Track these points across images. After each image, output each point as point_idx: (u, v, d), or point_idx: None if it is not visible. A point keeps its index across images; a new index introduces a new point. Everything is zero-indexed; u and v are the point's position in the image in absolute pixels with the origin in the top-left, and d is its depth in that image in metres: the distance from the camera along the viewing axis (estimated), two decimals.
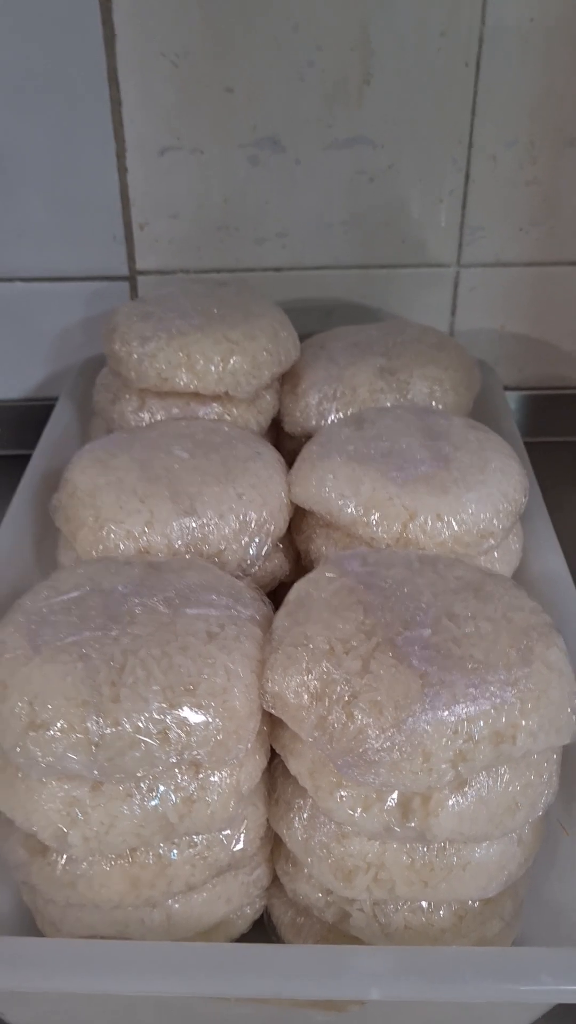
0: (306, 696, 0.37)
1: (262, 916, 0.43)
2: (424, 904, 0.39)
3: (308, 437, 0.57)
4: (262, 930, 0.43)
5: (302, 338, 0.61)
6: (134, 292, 0.72)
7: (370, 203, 0.69)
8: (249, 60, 0.64)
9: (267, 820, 0.41)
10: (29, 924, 0.42)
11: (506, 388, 0.76)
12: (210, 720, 0.37)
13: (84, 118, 0.66)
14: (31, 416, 0.75)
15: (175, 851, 0.38)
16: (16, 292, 0.72)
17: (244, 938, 0.42)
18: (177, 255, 0.71)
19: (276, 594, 0.51)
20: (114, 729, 0.36)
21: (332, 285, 0.73)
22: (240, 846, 0.40)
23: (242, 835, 0.40)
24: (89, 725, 0.36)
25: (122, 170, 0.68)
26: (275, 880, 0.43)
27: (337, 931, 0.41)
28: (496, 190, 0.69)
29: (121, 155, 0.67)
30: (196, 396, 0.55)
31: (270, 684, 0.38)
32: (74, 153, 0.67)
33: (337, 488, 0.47)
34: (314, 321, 0.73)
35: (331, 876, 0.39)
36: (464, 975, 0.32)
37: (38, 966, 0.34)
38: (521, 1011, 0.38)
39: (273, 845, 0.42)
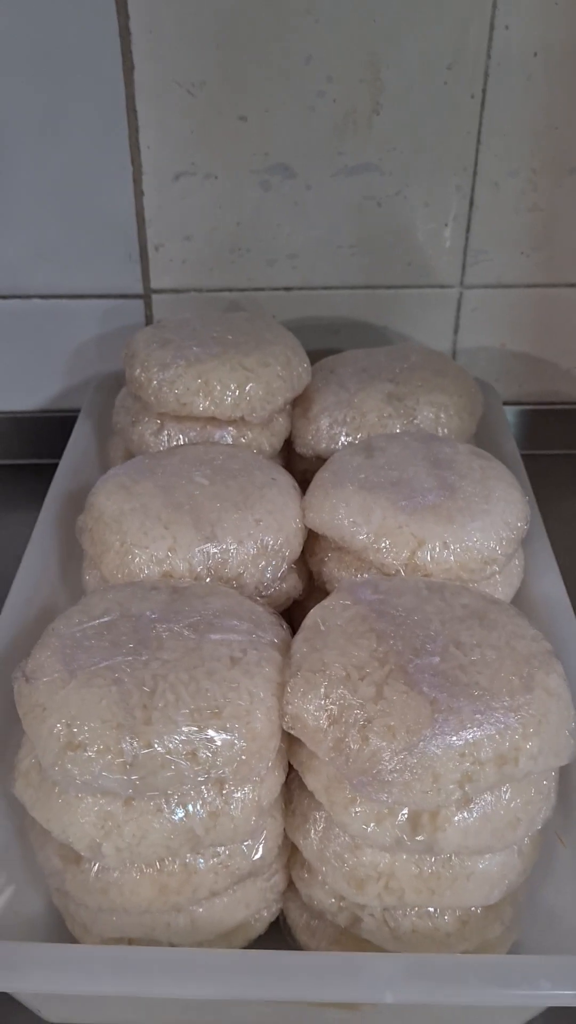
0: (324, 719, 0.40)
1: (278, 918, 0.46)
2: (431, 910, 0.42)
3: (319, 458, 0.60)
4: (278, 932, 0.46)
5: (311, 355, 0.64)
6: (148, 310, 0.75)
7: (377, 227, 0.72)
8: (262, 90, 0.67)
9: (284, 830, 0.44)
10: (60, 926, 0.45)
11: (506, 403, 0.79)
12: (235, 741, 0.40)
13: (103, 144, 0.68)
14: (48, 427, 0.78)
15: (200, 860, 0.41)
16: (35, 308, 0.74)
17: (261, 939, 0.45)
18: (191, 275, 0.73)
19: (290, 612, 0.54)
20: (147, 750, 0.39)
21: (340, 304, 0.75)
22: (260, 855, 0.43)
23: (261, 845, 0.43)
24: (123, 746, 0.39)
25: (138, 194, 0.70)
26: (291, 885, 0.45)
27: (349, 934, 0.44)
28: (499, 216, 0.72)
29: (138, 179, 0.69)
30: (213, 420, 0.58)
31: (290, 707, 0.41)
32: (93, 177, 0.69)
33: (350, 516, 0.50)
34: (322, 338, 0.76)
35: (344, 884, 0.41)
36: (470, 980, 0.35)
37: (75, 971, 0.37)
38: (519, 1012, 0.41)
39: (290, 853, 0.45)
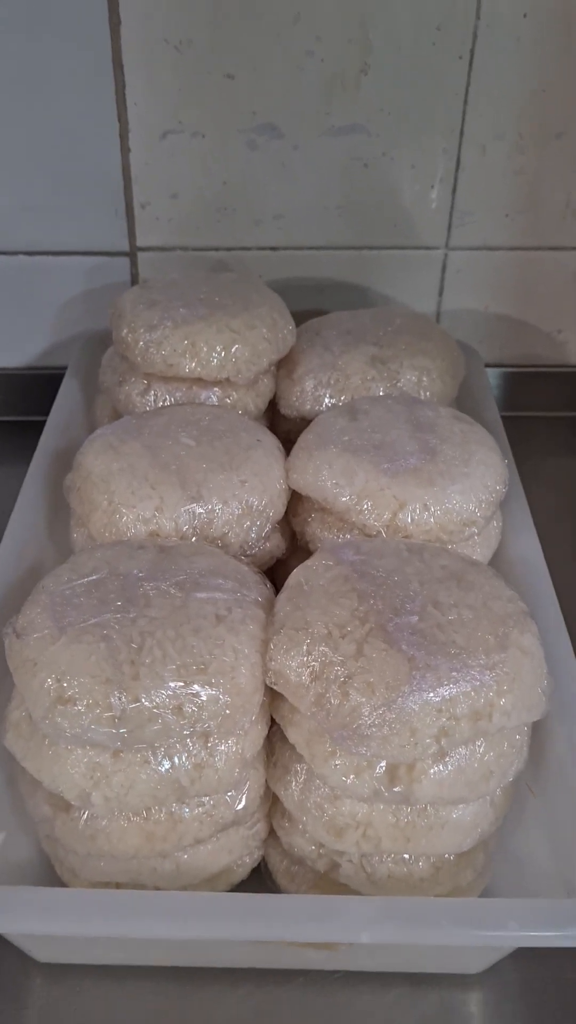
0: (306, 676, 0.42)
1: (260, 864, 0.48)
2: (406, 856, 0.44)
3: (303, 419, 0.61)
4: (259, 877, 0.48)
5: (296, 316, 0.64)
6: (134, 268, 0.75)
7: (364, 188, 0.72)
8: (250, 48, 0.66)
9: (266, 781, 0.46)
10: (49, 871, 0.47)
11: (488, 365, 0.79)
12: (220, 696, 0.41)
13: (90, 100, 0.67)
14: (34, 384, 0.78)
15: (186, 810, 0.43)
16: (20, 265, 0.74)
17: (243, 884, 0.47)
18: (176, 233, 0.73)
19: (274, 571, 0.55)
20: (135, 704, 0.40)
21: (325, 265, 0.75)
22: (243, 805, 0.44)
23: (244, 795, 0.44)
24: (112, 701, 0.40)
25: (125, 151, 0.70)
26: (272, 833, 0.47)
27: (327, 879, 0.45)
28: (485, 179, 0.72)
29: (124, 137, 0.69)
30: (199, 381, 0.59)
31: (273, 663, 0.43)
32: (79, 133, 0.69)
33: (333, 477, 0.51)
34: (307, 299, 0.76)
35: (324, 832, 0.43)
36: (441, 922, 0.37)
37: (68, 914, 0.38)
38: (489, 952, 0.44)
39: (271, 803, 0.47)
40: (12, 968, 0.45)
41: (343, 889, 0.45)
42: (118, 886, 0.45)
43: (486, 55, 0.67)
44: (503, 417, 0.75)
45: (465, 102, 0.69)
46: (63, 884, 0.46)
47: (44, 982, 0.45)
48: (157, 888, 0.45)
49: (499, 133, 0.70)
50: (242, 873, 0.47)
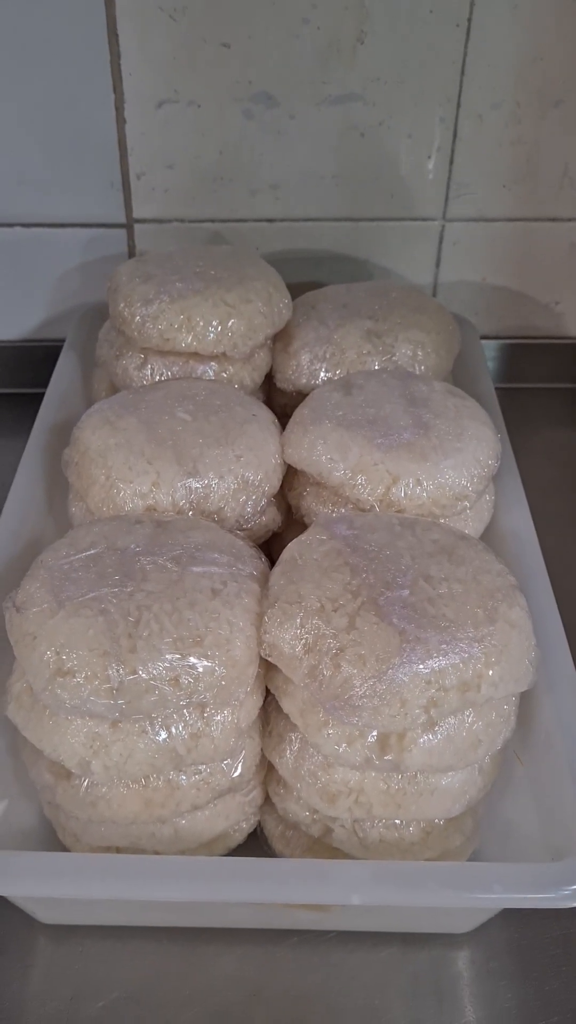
0: (299, 648, 0.43)
1: (256, 829, 0.49)
2: (397, 822, 0.45)
3: (299, 393, 0.62)
4: (256, 841, 0.49)
5: (291, 287, 0.65)
6: (131, 240, 0.75)
7: (360, 158, 0.72)
8: (246, 16, 0.66)
9: (262, 750, 0.47)
10: (52, 836, 0.48)
11: (485, 337, 0.80)
12: (215, 668, 0.42)
13: (84, 70, 0.67)
14: (31, 357, 0.79)
15: (183, 777, 0.44)
16: (16, 237, 0.74)
17: (240, 848, 0.49)
18: (173, 204, 0.73)
19: (269, 544, 0.56)
20: (132, 676, 0.41)
21: (322, 237, 0.75)
22: (239, 772, 0.46)
23: (240, 763, 0.46)
24: (110, 673, 0.41)
25: (120, 121, 0.70)
26: (268, 799, 0.49)
27: (321, 843, 0.47)
28: (482, 148, 0.72)
29: (120, 107, 0.69)
30: (195, 355, 0.59)
31: (268, 636, 0.44)
32: (74, 104, 0.69)
33: (327, 452, 0.52)
34: (304, 271, 0.76)
35: (317, 799, 0.45)
36: (428, 884, 0.39)
37: (70, 877, 0.40)
38: (476, 913, 0.45)
39: (267, 770, 0.48)
40: (17, 929, 0.47)
41: (336, 853, 0.46)
42: (118, 850, 0.46)
43: (484, 23, 0.67)
44: (500, 389, 0.76)
45: (462, 71, 0.69)
46: (65, 849, 0.47)
47: (48, 942, 0.47)
48: (156, 852, 0.46)
49: (496, 102, 0.70)
50: (239, 838, 0.49)
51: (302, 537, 0.48)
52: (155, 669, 0.41)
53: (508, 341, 0.81)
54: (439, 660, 0.41)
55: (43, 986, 0.46)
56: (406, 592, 0.43)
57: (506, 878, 0.39)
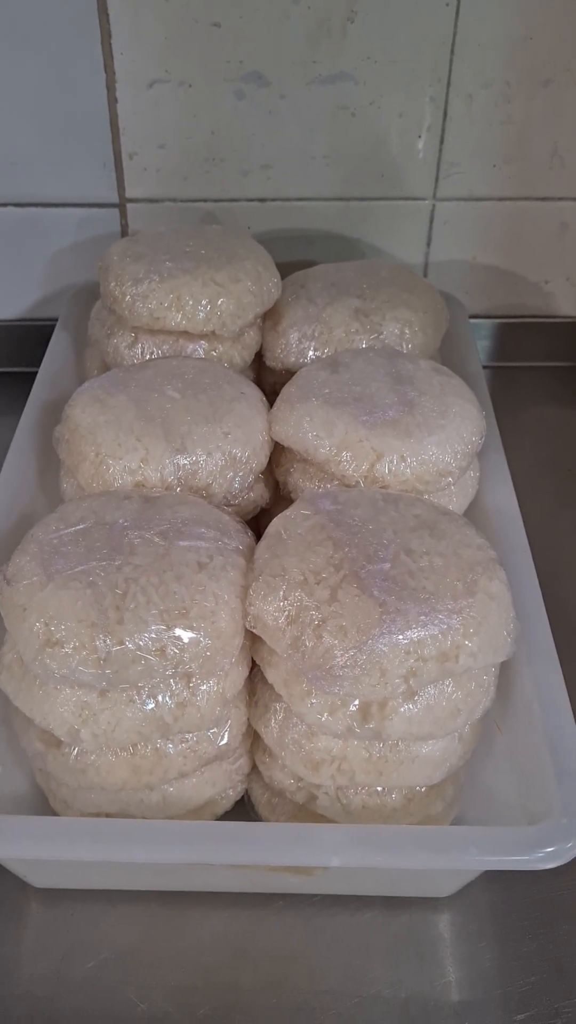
0: (282, 619, 0.44)
1: (243, 797, 0.51)
2: (379, 788, 0.46)
3: (288, 371, 0.62)
4: (243, 808, 0.50)
5: (283, 266, 0.65)
6: (124, 219, 0.75)
7: (351, 138, 0.72)
8: None
9: (248, 719, 0.48)
10: (43, 803, 0.49)
11: (475, 316, 0.81)
12: (201, 639, 0.43)
13: (76, 49, 0.68)
14: (24, 336, 0.79)
15: (170, 745, 0.45)
16: (9, 217, 0.75)
17: (227, 815, 0.50)
18: (165, 184, 0.74)
19: (258, 519, 0.57)
20: (119, 647, 0.42)
21: (313, 216, 0.76)
22: (225, 741, 0.47)
23: (227, 732, 0.47)
24: (97, 644, 0.42)
25: (112, 101, 0.70)
26: (254, 767, 0.50)
27: (306, 810, 0.48)
28: (472, 128, 0.72)
29: (111, 86, 0.69)
30: (185, 334, 0.60)
31: (252, 608, 0.45)
32: (66, 83, 0.69)
33: (313, 429, 0.53)
34: (296, 250, 0.77)
35: (301, 766, 0.46)
36: (407, 847, 0.40)
37: (60, 840, 0.41)
38: (456, 875, 0.46)
39: (253, 739, 0.49)
40: (10, 893, 0.48)
41: (321, 819, 0.47)
42: (108, 816, 0.47)
43: (473, 2, 0.67)
44: (490, 367, 0.77)
45: (452, 50, 0.69)
46: (56, 815, 0.49)
47: (39, 906, 0.48)
48: (144, 818, 0.47)
49: (486, 81, 0.70)
50: (226, 805, 0.50)
51: (287, 512, 0.49)
52: (141, 640, 0.42)
53: (498, 320, 0.82)
54: (418, 631, 0.42)
55: (35, 947, 0.47)
56: (387, 565, 0.44)
57: (482, 841, 0.40)
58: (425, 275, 0.79)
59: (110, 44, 0.68)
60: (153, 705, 0.44)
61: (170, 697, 0.44)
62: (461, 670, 0.43)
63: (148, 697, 0.44)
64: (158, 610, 0.43)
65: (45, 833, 0.42)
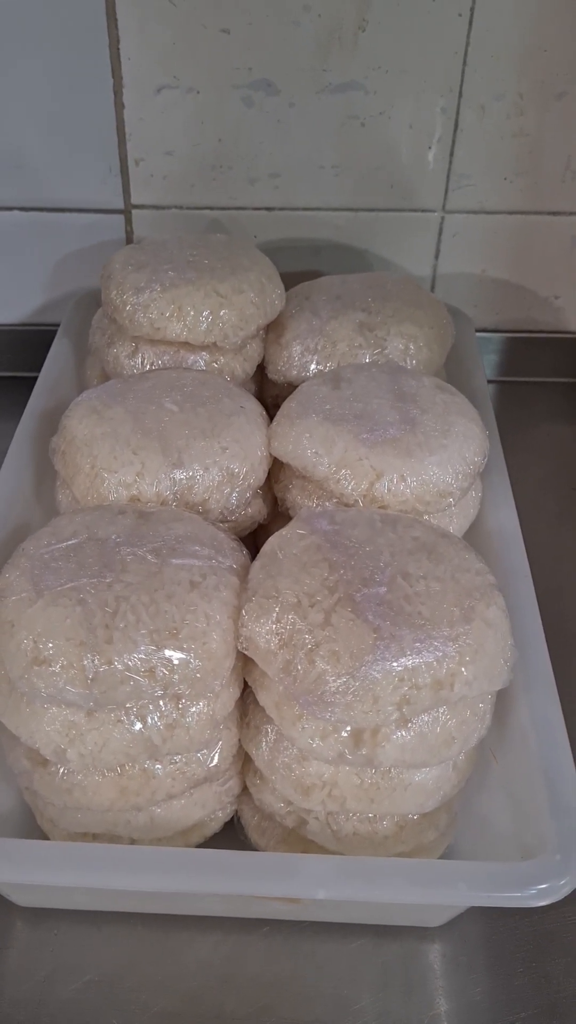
0: (275, 642, 0.43)
1: (232, 819, 0.50)
2: (370, 815, 0.46)
3: (290, 385, 0.62)
4: (232, 831, 0.50)
5: (289, 276, 0.64)
6: (129, 226, 0.75)
7: (361, 148, 0.72)
8: (246, 2, 0.66)
9: (239, 740, 0.47)
10: (30, 821, 0.49)
11: (483, 330, 0.80)
12: (191, 660, 0.42)
13: (83, 54, 0.67)
14: (26, 341, 0.79)
15: (159, 766, 0.45)
16: (14, 221, 0.74)
17: (216, 837, 0.49)
18: (171, 191, 0.73)
19: (255, 535, 0.57)
20: (107, 667, 0.41)
21: (321, 226, 0.75)
22: (215, 762, 0.46)
23: (217, 753, 0.46)
24: (86, 663, 0.41)
25: (119, 106, 0.69)
26: (244, 789, 0.49)
27: (295, 834, 0.47)
28: (483, 140, 0.71)
29: (119, 92, 0.69)
30: (186, 345, 0.59)
31: (244, 629, 0.44)
32: (73, 88, 0.68)
33: (312, 446, 0.52)
34: (302, 260, 0.76)
35: (292, 791, 0.45)
36: (395, 881, 0.39)
37: (44, 866, 0.40)
38: (448, 908, 0.45)
39: (244, 761, 0.49)
40: None
41: (311, 844, 0.47)
42: (94, 837, 0.47)
43: (487, 12, 0.66)
44: (497, 383, 0.76)
45: (464, 61, 0.68)
46: (43, 833, 0.48)
47: (24, 925, 0.47)
48: (132, 839, 0.47)
49: (499, 93, 0.70)
50: (215, 827, 0.49)
51: (283, 531, 0.48)
52: (130, 660, 0.42)
53: (506, 335, 0.81)
54: (412, 658, 0.41)
55: (18, 967, 0.46)
56: (383, 589, 0.44)
57: (472, 877, 0.39)
58: (433, 288, 0.78)
59: (118, 49, 0.67)
60: (141, 726, 0.43)
61: (159, 718, 0.43)
62: (456, 698, 0.42)
63: (136, 718, 0.43)
64: (148, 630, 0.42)
65: (29, 858, 0.41)
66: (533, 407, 0.81)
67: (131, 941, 0.47)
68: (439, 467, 0.51)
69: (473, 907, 0.47)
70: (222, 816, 0.49)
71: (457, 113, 0.70)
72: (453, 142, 0.72)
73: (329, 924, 0.47)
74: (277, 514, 0.57)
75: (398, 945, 0.47)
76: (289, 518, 0.55)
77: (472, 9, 0.66)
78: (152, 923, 0.47)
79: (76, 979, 0.46)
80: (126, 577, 0.44)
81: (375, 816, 0.46)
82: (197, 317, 0.57)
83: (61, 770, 0.44)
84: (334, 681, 0.41)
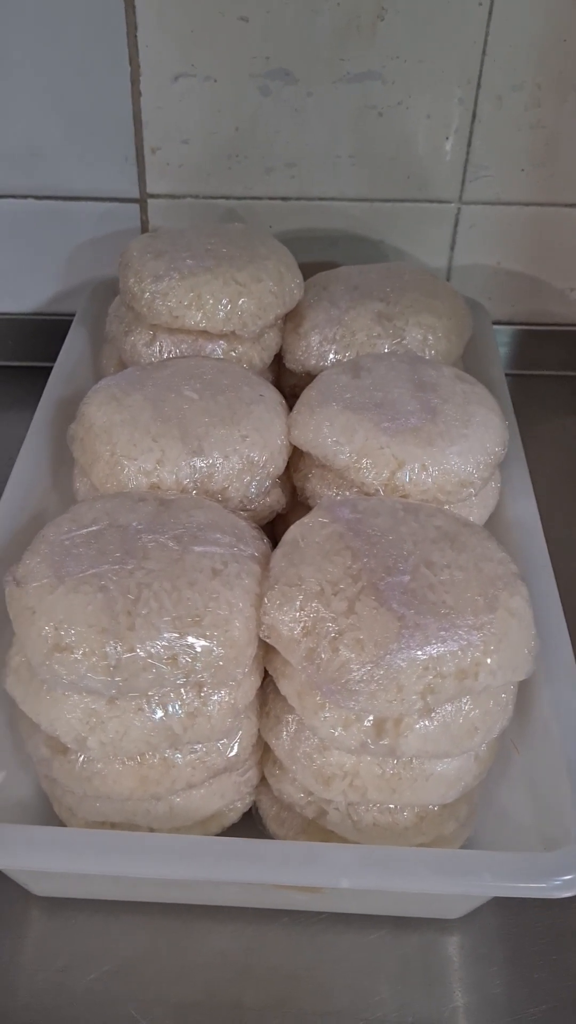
0: (298, 630, 0.43)
1: (251, 809, 0.49)
2: (391, 806, 0.45)
3: (308, 374, 0.61)
4: (251, 820, 0.49)
5: (304, 267, 0.64)
6: (144, 215, 0.74)
7: (378, 138, 0.71)
8: None
9: (259, 730, 0.47)
10: (47, 809, 0.48)
11: (498, 323, 0.79)
12: (213, 648, 0.42)
13: (101, 41, 0.67)
14: (41, 330, 0.78)
15: (179, 755, 0.44)
16: (29, 209, 0.74)
17: (235, 827, 0.49)
18: (187, 180, 0.73)
19: (273, 524, 0.56)
20: (130, 654, 0.41)
21: (337, 216, 0.75)
22: (235, 752, 0.46)
23: (237, 743, 0.46)
24: (107, 650, 0.41)
25: (136, 94, 0.69)
26: (263, 779, 0.49)
27: (315, 824, 0.47)
28: (501, 131, 0.71)
29: (135, 79, 0.68)
30: (204, 333, 0.59)
31: (267, 617, 0.43)
32: (90, 75, 0.68)
33: (333, 435, 0.52)
34: (318, 251, 0.76)
35: (312, 781, 0.45)
36: (418, 871, 0.39)
37: (65, 852, 0.40)
38: (469, 899, 0.45)
39: (263, 750, 0.48)
40: (11, 901, 0.47)
41: (330, 835, 0.46)
42: (113, 826, 0.46)
43: (507, 2, 0.66)
44: (512, 375, 0.75)
45: (483, 51, 0.68)
46: (60, 822, 0.48)
47: (41, 915, 0.47)
48: (151, 829, 0.46)
49: (517, 84, 0.69)
50: (233, 817, 0.49)
51: (305, 519, 0.47)
52: (153, 647, 0.41)
53: (521, 327, 0.81)
54: (437, 647, 0.41)
55: (35, 957, 0.46)
56: (407, 578, 0.43)
57: (496, 867, 0.39)
58: (448, 279, 0.78)
59: (136, 37, 0.67)
60: (163, 714, 0.43)
61: (180, 706, 0.43)
62: (480, 688, 0.42)
63: (158, 706, 0.43)
64: (170, 617, 0.42)
65: (49, 844, 0.41)
66: (547, 400, 0.80)
67: (149, 931, 0.47)
68: (460, 457, 0.51)
69: (492, 900, 0.47)
70: (241, 806, 0.49)
71: (475, 104, 0.70)
72: (470, 133, 0.71)
73: (348, 916, 0.47)
74: (296, 503, 0.56)
75: (417, 937, 0.47)
76: (308, 507, 0.55)
77: None
78: (170, 913, 0.47)
79: (93, 969, 0.45)
80: (148, 564, 0.44)
81: (396, 807, 0.45)
82: (216, 305, 0.57)
83: (81, 758, 0.44)
84: (358, 669, 0.41)
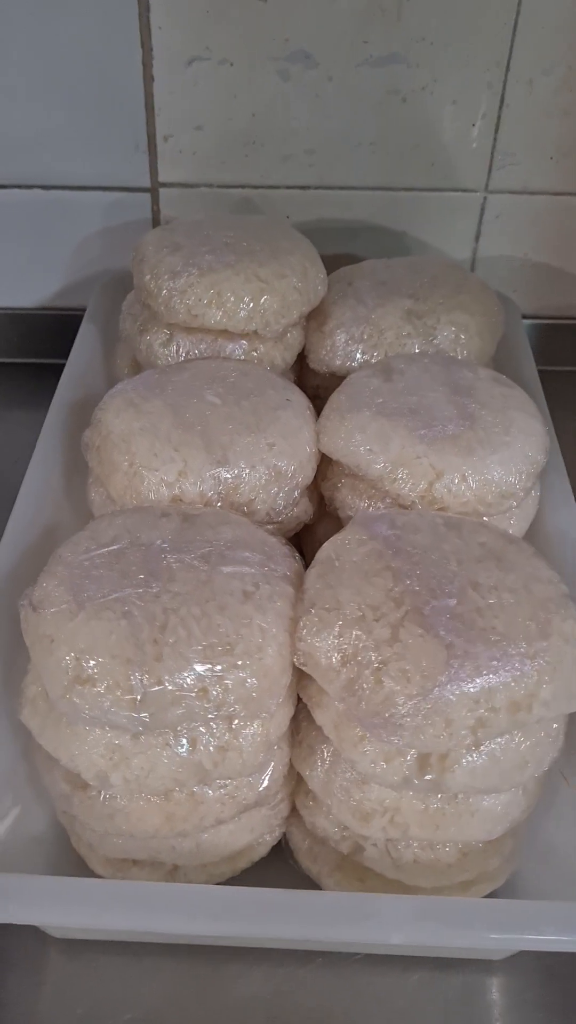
0: (336, 659, 0.40)
1: (280, 841, 0.47)
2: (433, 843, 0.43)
3: (333, 375, 0.58)
4: (280, 854, 0.46)
5: (325, 260, 0.61)
6: (155, 205, 0.71)
7: (401, 124, 0.68)
8: None
9: (290, 760, 0.44)
10: (65, 844, 0.45)
11: (523, 316, 0.76)
12: (247, 679, 0.39)
13: (111, 24, 0.63)
14: (50, 325, 0.75)
15: (208, 791, 0.41)
16: (36, 199, 0.70)
17: (263, 860, 0.46)
18: (200, 169, 0.69)
19: (298, 534, 0.53)
20: (157, 688, 0.38)
21: (357, 206, 0.71)
22: (265, 785, 0.43)
23: (268, 776, 0.43)
24: (133, 683, 0.38)
25: (148, 79, 0.66)
26: (295, 810, 0.46)
27: (351, 861, 0.44)
28: (530, 117, 0.68)
29: (147, 63, 0.65)
30: (224, 333, 0.56)
31: (303, 644, 0.40)
32: (100, 60, 0.65)
33: (366, 443, 0.48)
34: (337, 242, 0.72)
35: (349, 816, 0.42)
36: (477, 925, 0.36)
37: (87, 907, 0.37)
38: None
39: (295, 780, 0.45)
40: (28, 942, 0.45)
41: (366, 872, 0.44)
42: (135, 862, 0.44)
43: None
44: (540, 372, 0.72)
45: (514, 32, 0.64)
46: (78, 858, 0.45)
47: (60, 957, 0.44)
48: (176, 865, 0.44)
49: (548, 68, 0.66)
50: (262, 851, 0.46)
51: (339, 536, 0.44)
52: (182, 679, 0.38)
53: (547, 321, 0.78)
54: (489, 678, 0.38)
55: (53, 1004, 0.43)
56: (453, 601, 0.40)
57: (557, 919, 0.36)
58: (472, 271, 0.75)
59: (148, 18, 0.63)
60: (191, 749, 0.40)
61: (210, 741, 0.40)
62: (533, 720, 0.39)
63: (186, 740, 0.40)
64: (201, 646, 0.39)
65: (69, 898, 0.38)
66: (572, 398, 0.77)
67: (175, 975, 0.44)
68: (502, 466, 0.48)
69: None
70: (270, 839, 0.46)
71: (504, 88, 0.67)
72: (498, 119, 0.68)
73: (385, 956, 0.44)
74: (323, 514, 0.53)
75: (459, 979, 0.44)
76: (337, 519, 0.52)
77: None
78: (197, 954, 0.44)
79: (116, 1017, 0.43)
80: (174, 587, 0.41)
81: (438, 843, 0.42)
82: (237, 303, 0.54)
83: (103, 795, 0.41)
84: (404, 703, 0.38)
